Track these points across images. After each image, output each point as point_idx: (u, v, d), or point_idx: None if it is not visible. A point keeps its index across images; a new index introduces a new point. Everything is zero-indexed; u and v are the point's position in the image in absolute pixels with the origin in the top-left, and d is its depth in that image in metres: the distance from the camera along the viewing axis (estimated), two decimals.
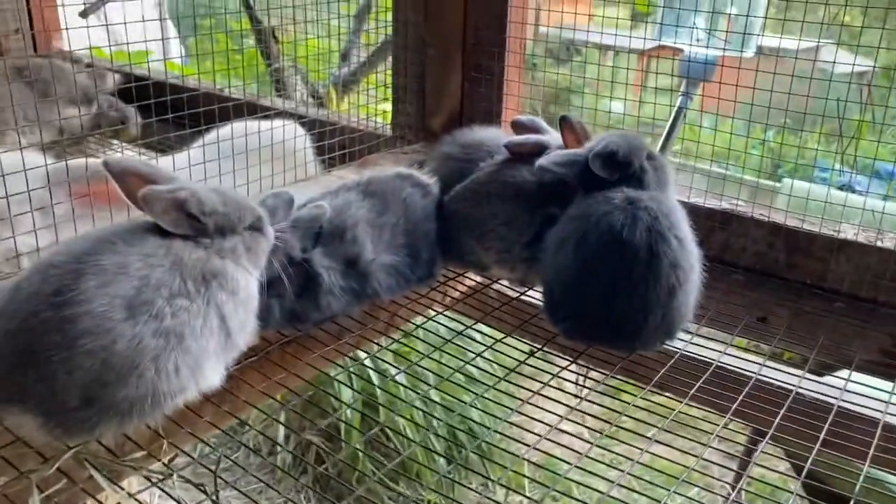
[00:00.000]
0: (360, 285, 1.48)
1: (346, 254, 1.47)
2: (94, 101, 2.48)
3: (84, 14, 2.60)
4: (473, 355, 1.60)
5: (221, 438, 3.06)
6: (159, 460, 1.08)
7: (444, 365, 2.72)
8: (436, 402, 2.75)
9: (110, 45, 1.75)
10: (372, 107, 2.32)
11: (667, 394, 1.43)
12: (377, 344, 1.66)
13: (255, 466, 3.74)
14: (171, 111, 1.88)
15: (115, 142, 2.43)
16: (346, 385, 2.93)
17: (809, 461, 1.18)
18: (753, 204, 1.80)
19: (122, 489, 1.03)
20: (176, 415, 1.12)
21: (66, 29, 2.99)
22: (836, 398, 1.35)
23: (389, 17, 2.11)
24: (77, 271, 1.03)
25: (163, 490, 1.02)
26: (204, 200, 1.16)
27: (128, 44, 1.72)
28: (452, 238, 1.65)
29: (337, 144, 1.92)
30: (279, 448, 3.61)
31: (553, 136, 1.69)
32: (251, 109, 2.21)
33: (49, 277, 1.04)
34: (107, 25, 1.69)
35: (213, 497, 0.99)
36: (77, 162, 1.36)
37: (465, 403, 2.41)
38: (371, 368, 3.43)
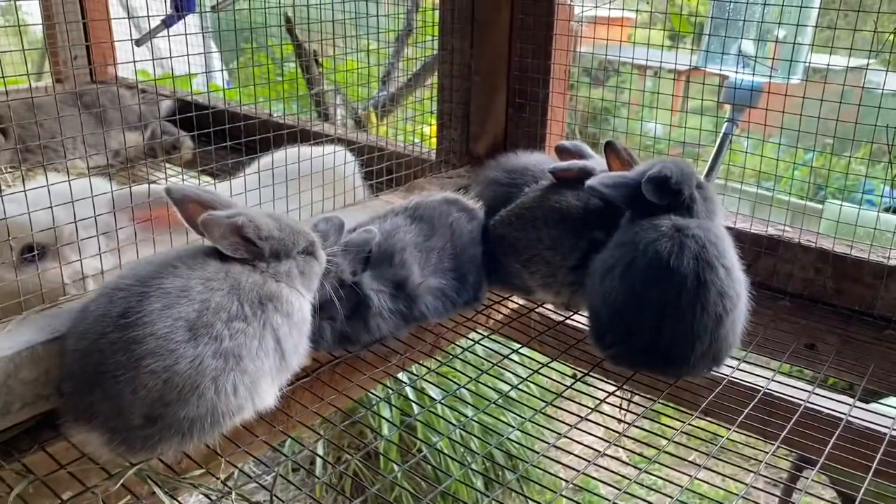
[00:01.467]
0: (408, 308, 1.51)
1: (395, 277, 1.50)
2: (148, 126, 2.57)
3: (139, 43, 2.70)
4: (515, 379, 1.61)
5: (264, 457, 3.10)
6: (217, 478, 1.11)
7: (486, 387, 2.73)
8: (476, 423, 2.76)
9: (154, 70, 1.81)
10: (410, 127, 2.36)
11: (713, 420, 1.43)
12: (424, 366, 1.68)
13: (298, 483, 3.78)
14: (225, 137, 1.95)
15: (170, 166, 2.51)
16: (386, 403, 2.96)
17: (862, 491, 1.17)
18: (800, 230, 1.79)
19: None
20: (232, 433, 1.16)
21: (117, 63, 3.12)
22: (888, 427, 1.34)
23: (429, 40, 2.16)
24: (142, 294, 1.08)
25: None
26: (260, 226, 1.21)
27: (171, 68, 1.78)
28: (498, 262, 1.67)
29: (384, 169, 1.96)
30: (319, 467, 3.64)
31: (597, 161, 1.71)
32: (302, 136, 2.28)
33: (116, 300, 1.09)
34: (151, 58, 1.76)
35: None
36: (140, 188, 1.42)
37: (511, 427, 2.42)
38: (413, 387, 3.45)
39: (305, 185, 1.74)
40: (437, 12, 2.10)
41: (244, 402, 1.11)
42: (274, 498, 1.04)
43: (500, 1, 1.93)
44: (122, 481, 1.07)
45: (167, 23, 2.75)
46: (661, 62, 1.81)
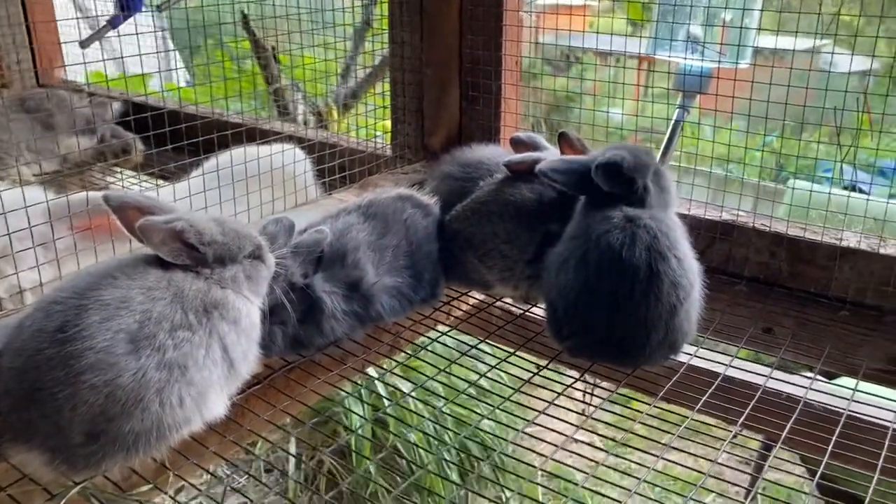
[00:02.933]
0: (363, 308, 1.48)
1: (348, 277, 1.47)
2: (95, 131, 2.50)
3: (84, 45, 2.63)
4: (481, 371, 1.60)
5: (230, 466, 3.06)
6: (165, 493, 1.08)
7: (455, 379, 2.73)
8: (447, 415, 2.75)
9: (107, 71, 1.76)
10: (372, 122, 2.33)
11: (675, 406, 1.43)
12: (381, 368, 1.66)
13: (272, 484, 3.74)
14: (174, 139, 1.90)
15: (118, 170, 2.45)
16: (356, 399, 2.93)
17: (822, 465, 1.17)
18: (755, 214, 1.79)
19: None
20: (181, 446, 1.12)
21: (65, 65, 3.03)
22: (843, 408, 1.35)
23: (385, 32, 2.13)
24: (80, 307, 1.04)
25: None
26: (202, 230, 1.17)
27: (123, 69, 1.73)
28: (455, 257, 1.65)
29: (337, 167, 1.93)
30: (292, 466, 3.61)
31: (552, 153, 1.70)
32: (253, 134, 2.24)
33: (52, 314, 1.05)
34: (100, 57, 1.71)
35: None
36: (78, 196, 1.37)
37: (480, 417, 2.41)
38: (382, 382, 3.43)
39: (255, 186, 1.70)
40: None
41: (192, 413, 1.08)
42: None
43: None
44: (63, 501, 1.04)
45: (113, 23, 2.68)
46: (613, 49, 1.80)
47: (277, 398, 1.35)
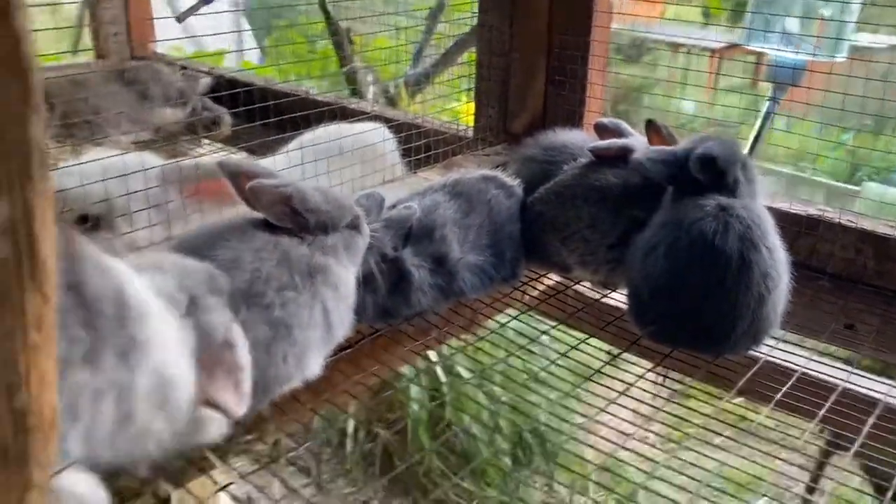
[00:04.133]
0: (447, 283, 1.53)
1: (435, 253, 1.52)
2: (187, 104, 2.61)
3: (180, 19, 2.74)
4: (550, 357, 1.62)
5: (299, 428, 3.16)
6: (266, 444, 1.15)
7: (518, 366, 2.75)
8: (505, 403, 2.78)
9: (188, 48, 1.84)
10: (440, 105, 2.35)
11: (750, 398, 1.43)
12: (454, 347, 1.70)
13: (328, 456, 3.85)
14: (262, 115, 1.98)
15: (208, 142, 2.55)
16: (416, 381, 2.99)
17: None
18: (841, 210, 1.77)
19: (234, 469, 1.11)
20: (278, 401, 1.19)
21: (157, 41, 3.16)
22: None
23: (462, 17, 2.15)
24: None
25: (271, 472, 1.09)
26: (308, 197, 1.23)
27: (201, 47, 1.81)
28: (536, 239, 1.68)
29: (422, 147, 1.97)
30: (350, 442, 3.70)
31: (637, 140, 1.71)
32: (341, 113, 2.31)
33: None
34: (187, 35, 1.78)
35: (318, 480, 1.05)
36: (189, 162, 1.45)
37: (540, 408, 2.44)
38: (443, 366, 3.48)
39: (344, 162, 1.76)
40: None
41: (293, 371, 1.15)
42: (319, 464, 1.08)
43: None
44: None
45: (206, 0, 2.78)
46: (687, 40, 1.80)
47: (365, 362, 1.41)
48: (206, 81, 2.75)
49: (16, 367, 0.60)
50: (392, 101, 5.29)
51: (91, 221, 1.37)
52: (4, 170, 0.56)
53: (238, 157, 1.63)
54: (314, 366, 1.19)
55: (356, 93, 5.25)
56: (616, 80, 2.08)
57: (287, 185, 1.21)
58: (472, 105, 2.24)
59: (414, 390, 3.34)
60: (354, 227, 1.31)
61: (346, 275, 1.26)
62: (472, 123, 2.27)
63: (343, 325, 1.25)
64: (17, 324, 0.59)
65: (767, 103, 1.81)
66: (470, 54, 4.35)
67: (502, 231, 1.64)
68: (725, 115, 1.92)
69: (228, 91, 2.52)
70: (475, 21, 2.17)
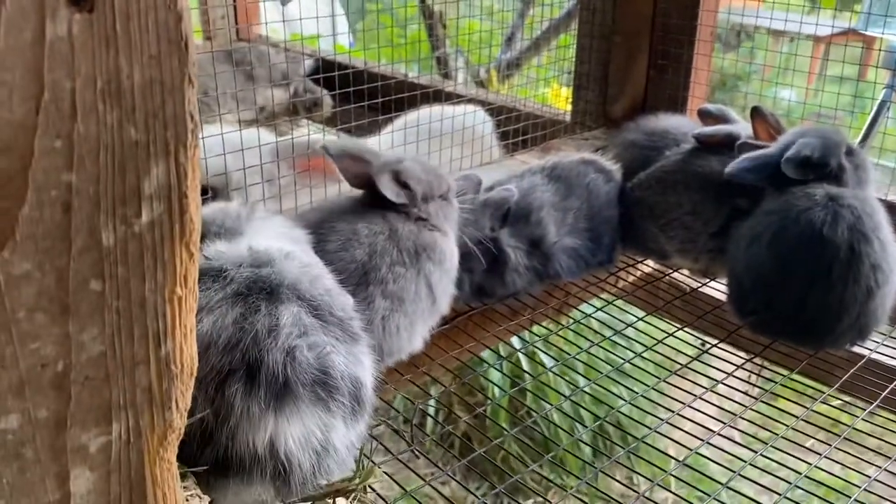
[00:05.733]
0: (542, 266, 1.54)
1: (531, 235, 1.53)
2: (290, 85, 2.70)
3: (284, 2, 2.83)
4: (634, 349, 1.61)
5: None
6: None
7: (609, 354, 2.74)
8: (587, 394, 2.77)
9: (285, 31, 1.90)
10: (529, 90, 2.34)
11: (851, 393, 1.38)
12: (552, 323, 1.71)
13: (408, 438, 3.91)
14: (361, 97, 2.03)
15: (310, 122, 2.63)
16: (496, 368, 3.01)
17: None
18: None
19: None
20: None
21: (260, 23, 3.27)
22: None
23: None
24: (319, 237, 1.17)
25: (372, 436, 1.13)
26: (413, 169, 1.26)
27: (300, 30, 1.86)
28: (634, 225, 1.67)
29: (520, 130, 1.98)
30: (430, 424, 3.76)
31: (742, 126, 1.67)
32: (438, 96, 2.35)
33: None
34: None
35: (415, 448, 1.09)
36: (300, 139, 1.52)
37: (623, 400, 2.42)
38: (524, 353, 3.49)
39: (443, 144, 1.79)
40: None
41: (404, 343, 1.19)
42: (413, 431, 1.11)
43: None
44: None
45: None
46: (788, 28, 1.73)
47: (461, 338, 1.45)
48: (308, 63, 2.83)
49: (164, 317, 0.65)
50: (482, 86, 5.31)
51: (210, 193, 1.45)
52: (163, 137, 0.60)
53: (342, 137, 1.68)
54: (419, 339, 1.23)
55: (447, 76, 5.29)
56: (714, 67, 2.03)
57: (400, 161, 1.24)
58: (563, 90, 2.23)
59: (495, 376, 3.36)
60: (445, 198, 1.34)
61: (450, 248, 1.29)
62: (566, 108, 2.26)
63: (446, 296, 1.28)
64: (167, 278, 0.65)
65: (885, 91, 1.73)
66: (562, 39, 4.31)
67: (600, 215, 1.64)
68: (830, 104, 1.84)
69: (328, 73, 2.59)
70: (568, 4, 2.16)
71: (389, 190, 1.21)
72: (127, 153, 0.59)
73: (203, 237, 0.93)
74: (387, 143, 1.75)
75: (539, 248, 1.54)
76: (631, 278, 1.81)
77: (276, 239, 1.03)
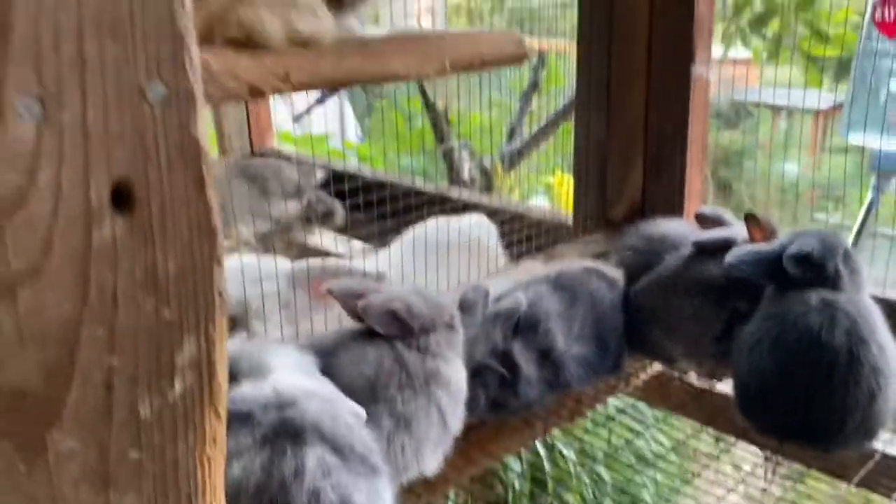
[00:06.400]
0: (553, 376, 1.58)
1: (541, 345, 1.58)
2: (304, 196, 2.81)
3: (296, 120, 2.98)
4: (656, 450, 1.64)
5: None
6: None
7: (628, 454, 2.74)
8: (610, 484, 2.76)
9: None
10: (535, 178, 2.42)
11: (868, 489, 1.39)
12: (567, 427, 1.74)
13: None
14: (370, 204, 2.14)
15: (323, 231, 2.73)
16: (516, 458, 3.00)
17: None
18: None
19: None
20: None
21: (273, 135, 3.43)
22: None
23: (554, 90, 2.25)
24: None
25: None
26: (411, 305, 1.32)
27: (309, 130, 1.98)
28: (640, 330, 1.71)
29: (524, 236, 2.06)
30: None
31: (738, 230, 1.73)
32: (439, 200, 2.44)
33: None
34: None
35: None
36: (315, 262, 1.59)
37: (647, 487, 2.41)
38: (544, 444, 3.47)
39: (450, 257, 1.87)
40: (562, 60, 2.21)
41: (410, 461, 1.22)
42: None
43: (635, 77, 2.01)
44: None
45: (321, 99, 3.02)
46: (788, 104, 1.82)
47: (474, 452, 1.47)
48: (320, 174, 2.95)
49: (195, 477, 0.70)
50: (487, 175, 5.45)
51: (229, 323, 1.51)
52: (194, 316, 0.67)
53: (348, 263, 1.75)
54: (432, 462, 1.27)
55: (452, 167, 5.44)
56: (717, 144, 2.11)
57: (392, 298, 1.31)
58: (567, 177, 2.32)
59: (515, 466, 3.34)
60: (450, 325, 1.39)
61: (455, 373, 1.34)
62: (569, 201, 2.35)
63: (457, 421, 1.32)
64: (198, 440, 0.70)
65: (870, 194, 1.80)
66: (565, 126, 4.46)
67: (606, 322, 1.68)
68: (834, 175, 1.89)
69: (339, 183, 2.71)
70: (570, 94, 2.27)
71: (378, 324, 1.27)
72: (162, 333, 0.65)
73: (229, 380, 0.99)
74: (396, 257, 1.83)
75: (549, 358, 1.58)
76: (642, 380, 1.84)
77: (294, 372, 1.09)
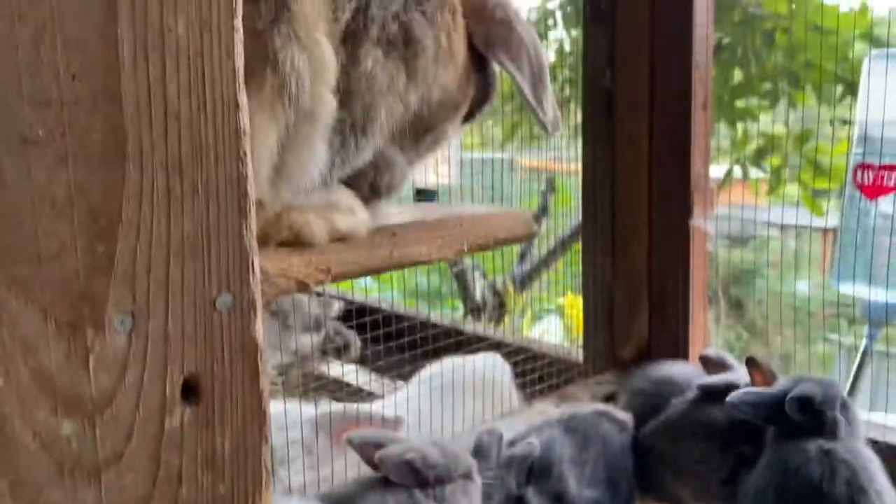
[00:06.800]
0: None
1: (554, 489, 1.63)
2: (322, 328, 2.91)
3: None
4: None
5: None
6: None
7: None
8: None
9: None
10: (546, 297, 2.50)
11: None
12: None
13: None
14: (386, 336, 2.25)
15: (340, 363, 2.82)
16: None
17: None
18: None
19: None
20: None
21: None
22: None
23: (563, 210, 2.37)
24: None
25: None
26: (427, 456, 1.39)
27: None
28: (649, 473, 1.77)
29: (536, 377, 2.15)
30: None
31: (740, 374, 1.81)
32: (455, 333, 2.55)
33: None
34: None
35: None
36: (337, 408, 1.68)
37: None
38: None
39: (465, 396, 1.95)
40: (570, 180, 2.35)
41: None
42: None
43: (638, 226, 2.15)
44: None
45: None
46: (797, 224, 1.93)
47: None
48: (337, 307, 3.07)
49: None
50: (499, 296, 5.57)
51: None
52: (244, 489, 0.76)
53: (368, 408, 1.83)
54: None
55: (465, 287, 5.57)
56: (727, 263, 2.19)
57: (409, 449, 1.38)
58: (578, 299, 2.43)
59: None
60: (467, 476, 1.45)
61: None
62: (579, 323, 2.45)
63: None
64: None
65: (864, 342, 1.88)
66: (575, 246, 4.61)
67: (616, 465, 1.74)
68: (842, 297, 1.96)
69: (358, 317, 2.83)
70: (573, 223, 2.41)
71: (395, 475, 1.34)
72: None
73: None
74: (414, 398, 1.91)
75: (562, 502, 1.63)
76: None
77: None
